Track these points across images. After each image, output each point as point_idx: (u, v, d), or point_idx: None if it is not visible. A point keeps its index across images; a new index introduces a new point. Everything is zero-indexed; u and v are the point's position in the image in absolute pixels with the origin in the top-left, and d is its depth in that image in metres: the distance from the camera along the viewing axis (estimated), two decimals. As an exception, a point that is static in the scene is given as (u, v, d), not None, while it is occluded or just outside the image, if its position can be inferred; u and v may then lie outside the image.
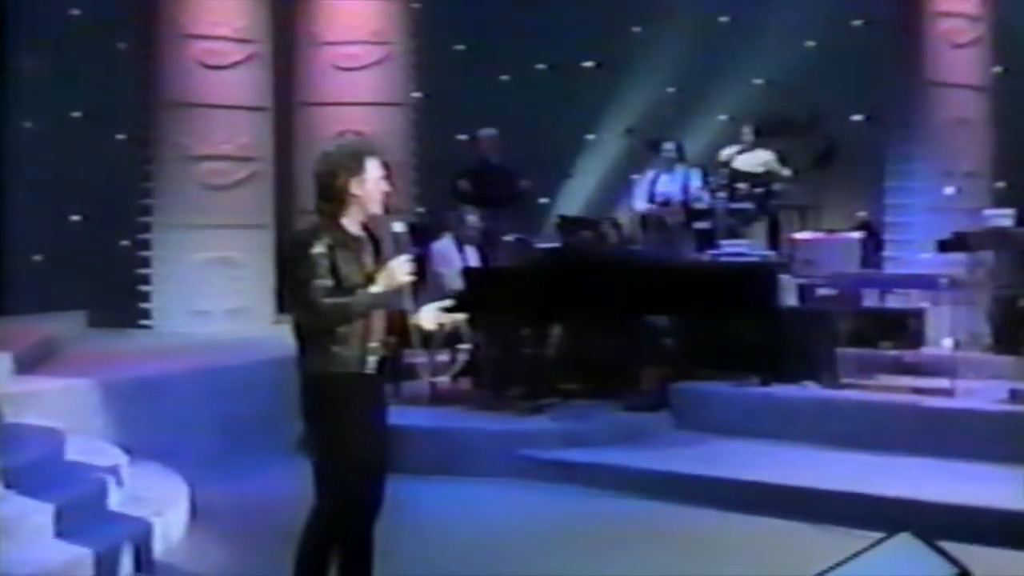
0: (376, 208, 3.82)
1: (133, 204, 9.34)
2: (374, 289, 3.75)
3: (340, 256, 3.74)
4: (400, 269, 3.75)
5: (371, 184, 3.81)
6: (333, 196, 3.80)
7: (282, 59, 9.82)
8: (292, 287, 3.77)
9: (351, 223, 3.84)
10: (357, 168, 3.80)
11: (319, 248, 3.72)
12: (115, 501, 5.24)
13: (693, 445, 6.96)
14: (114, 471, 5.41)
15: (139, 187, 9.29)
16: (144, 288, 9.27)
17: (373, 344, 3.80)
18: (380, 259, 3.83)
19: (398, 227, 3.83)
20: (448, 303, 4.09)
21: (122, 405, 6.54)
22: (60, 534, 4.60)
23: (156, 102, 9.15)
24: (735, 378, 7.48)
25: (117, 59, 9.85)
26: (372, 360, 3.80)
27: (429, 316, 3.97)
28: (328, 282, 3.70)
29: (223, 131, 9.17)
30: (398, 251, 3.80)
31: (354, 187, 3.80)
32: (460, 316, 4.07)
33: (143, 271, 9.30)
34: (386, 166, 3.89)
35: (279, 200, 9.48)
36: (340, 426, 3.75)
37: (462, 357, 7.88)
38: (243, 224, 9.22)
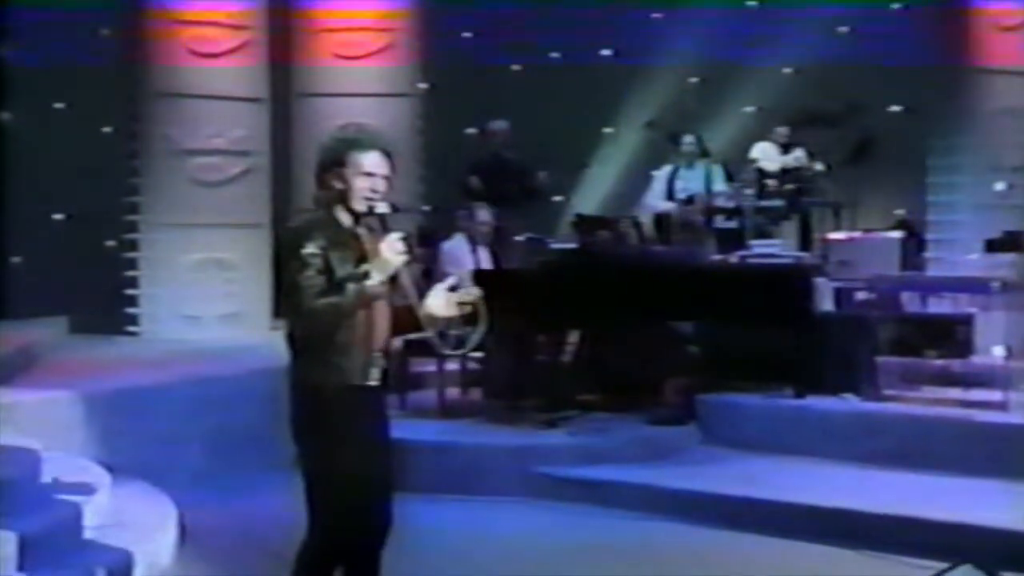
0: (359, 205, 3.71)
1: (119, 202, 9.26)
2: (370, 282, 3.62)
3: (335, 255, 3.63)
4: (391, 248, 3.62)
5: (352, 179, 3.69)
6: (322, 187, 3.75)
7: (279, 47, 9.74)
8: (283, 291, 3.66)
9: (346, 217, 3.73)
10: (340, 160, 3.71)
11: (310, 248, 3.62)
12: (94, 526, 5.10)
13: (722, 462, 6.91)
14: (94, 492, 5.29)
15: (126, 183, 9.22)
16: (131, 292, 9.19)
17: (377, 352, 3.71)
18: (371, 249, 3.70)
19: (382, 208, 3.71)
20: (454, 281, 3.92)
21: (105, 419, 6.45)
22: (24, 567, 4.43)
23: (144, 92, 9.08)
24: (767, 390, 7.41)
25: (102, 46, 9.75)
26: (376, 371, 3.71)
27: (440, 301, 3.82)
28: (320, 283, 3.59)
29: (216, 124, 9.10)
30: (384, 233, 3.67)
31: (334, 180, 3.71)
32: (475, 291, 3.91)
33: (130, 273, 9.22)
34: (389, 162, 3.74)
35: (276, 198, 9.43)
36: (339, 445, 3.64)
37: (472, 366, 7.79)
38: (237, 223, 9.15)
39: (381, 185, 3.71)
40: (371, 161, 3.71)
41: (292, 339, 3.71)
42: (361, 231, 3.74)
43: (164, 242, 9.09)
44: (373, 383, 3.71)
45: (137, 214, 9.21)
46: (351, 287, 3.60)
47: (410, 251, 3.67)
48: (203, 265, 9.04)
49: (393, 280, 3.68)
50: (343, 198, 3.71)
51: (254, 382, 7.03)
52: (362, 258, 3.66)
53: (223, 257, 9.05)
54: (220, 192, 9.12)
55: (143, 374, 7.35)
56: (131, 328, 9.11)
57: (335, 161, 3.71)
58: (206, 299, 8.99)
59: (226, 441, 6.74)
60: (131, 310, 9.16)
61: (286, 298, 3.66)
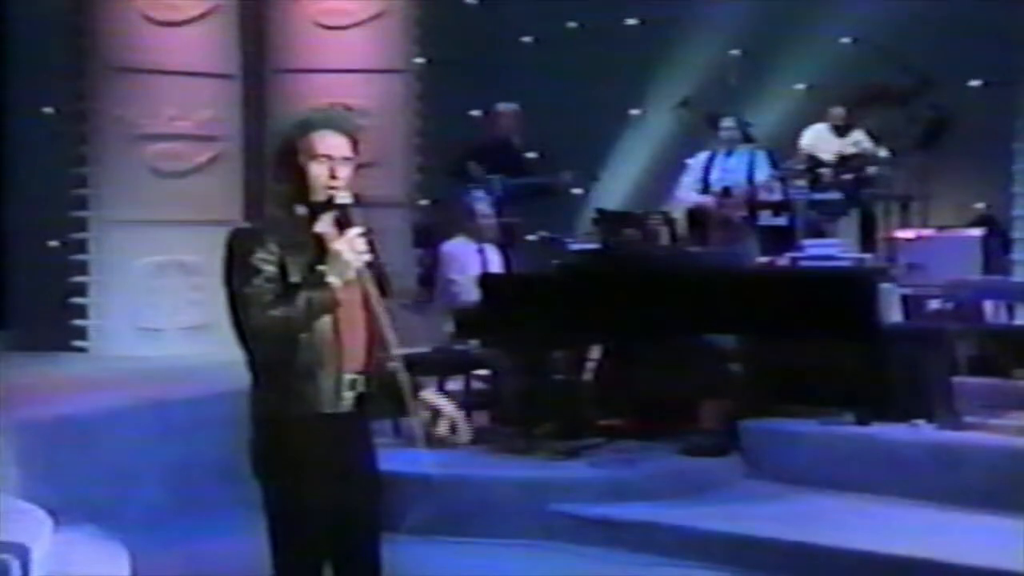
0: (319, 196, 3.64)
1: (65, 195, 9.35)
2: (327, 287, 3.55)
3: (291, 260, 3.57)
4: (350, 246, 3.55)
5: (307, 165, 3.62)
6: (276, 182, 3.69)
7: (251, 14, 9.82)
8: (230, 305, 3.60)
9: (305, 213, 3.66)
10: (292, 146, 3.65)
11: (262, 253, 3.55)
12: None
13: (770, 500, 6.91)
14: (32, 539, 5.21)
15: (72, 174, 9.32)
16: (78, 300, 9.29)
17: (350, 375, 3.64)
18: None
19: (342, 198, 3.64)
20: (444, 404, 3.85)
21: (48, 452, 6.42)
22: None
23: (93, 67, 9.18)
24: (823, 415, 7.38)
25: (45, 13, 9.76)
26: (349, 395, 3.65)
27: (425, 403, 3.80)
28: (270, 294, 3.52)
29: (179, 103, 9.23)
30: (347, 227, 3.60)
31: (288, 171, 3.65)
32: (460, 422, 3.89)
33: (78, 279, 9.32)
34: (352, 145, 3.67)
35: (249, 189, 9.42)
36: (303, 484, 3.59)
37: (478, 385, 7.83)
38: (204, 219, 9.15)
39: (342, 170, 3.64)
40: (325, 142, 3.64)
41: (252, 361, 3.65)
42: (324, 228, 3.66)
43: (118, 242, 9.19)
44: (344, 410, 3.64)
45: (86, 210, 9.30)
46: (302, 296, 3.53)
47: (373, 249, 3.61)
48: (164, 269, 9.14)
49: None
50: (300, 191, 3.64)
51: (222, 406, 6.95)
52: (324, 261, 3.62)
53: (187, 260, 9.11)
54: (184, 183, 9.23)
55: (93, 398, 7.35)
56: (79, 343, 9.20)
57: (286, 149, 3.66)
58: (167, 309, 9.10)
59: (189, 476, 6.74)
60: (79, 322, 9.25)
61: (233, 314, 3.60)
